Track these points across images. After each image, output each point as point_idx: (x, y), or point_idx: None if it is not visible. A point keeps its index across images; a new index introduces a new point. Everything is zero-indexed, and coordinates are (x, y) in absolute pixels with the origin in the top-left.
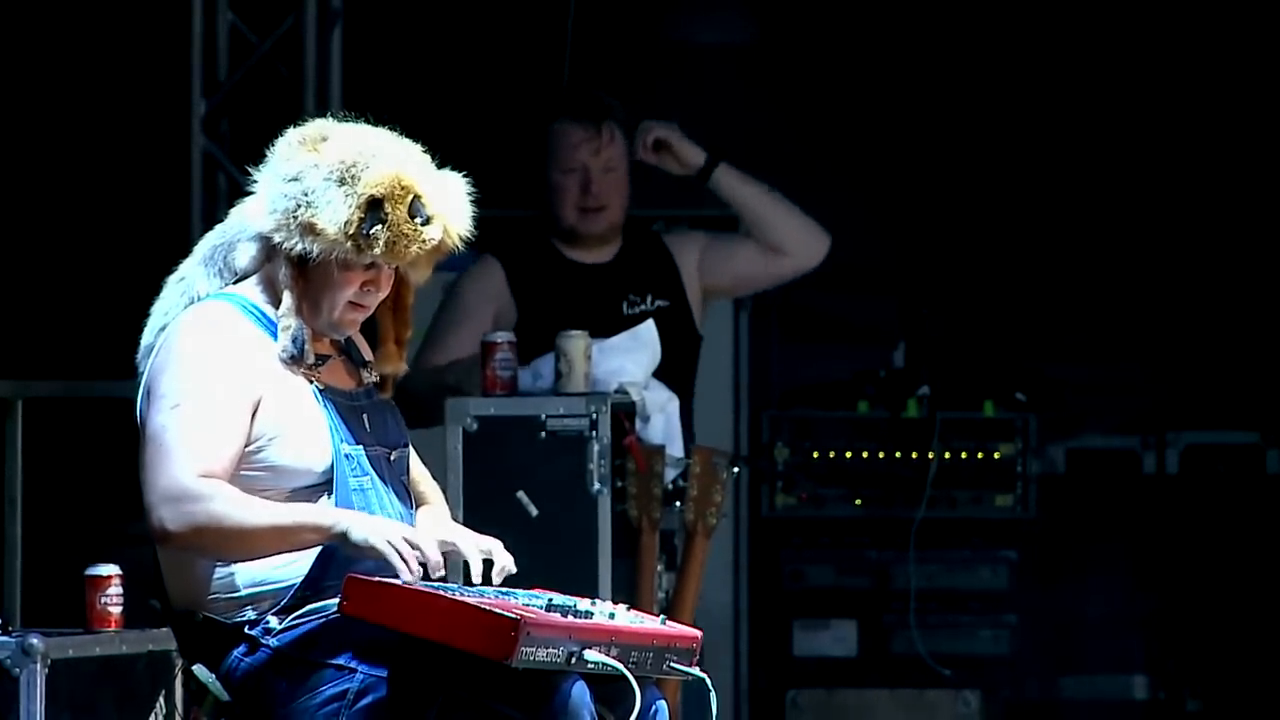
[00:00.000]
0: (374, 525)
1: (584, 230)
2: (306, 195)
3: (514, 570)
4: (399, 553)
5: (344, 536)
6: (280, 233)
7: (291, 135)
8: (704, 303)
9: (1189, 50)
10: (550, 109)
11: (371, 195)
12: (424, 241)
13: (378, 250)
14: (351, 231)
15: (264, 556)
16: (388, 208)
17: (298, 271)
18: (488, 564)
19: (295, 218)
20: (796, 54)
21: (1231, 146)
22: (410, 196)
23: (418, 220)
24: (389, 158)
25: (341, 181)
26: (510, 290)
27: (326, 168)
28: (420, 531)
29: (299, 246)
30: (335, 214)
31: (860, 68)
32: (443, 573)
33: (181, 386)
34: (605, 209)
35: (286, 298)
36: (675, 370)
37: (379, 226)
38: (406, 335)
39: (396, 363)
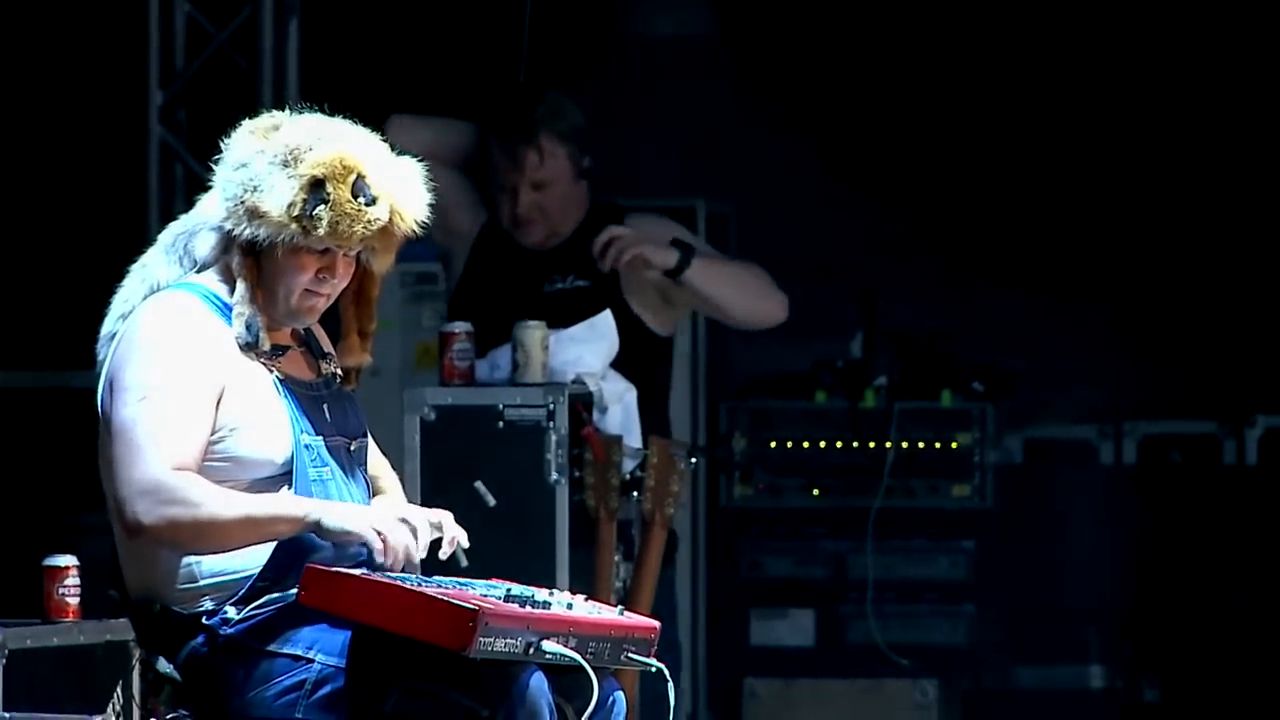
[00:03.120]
0: (348, 512)
1: (519, 240)
2: (252, 180)
3: (466, 544)
4: (379, 535)
5: (318, 525)
6: (230, 220)
7: (244, 126)
8: (661, 297)
9: (1170, 48)
10: (483, 119)
11: (313, 175)
12: (369, 222)
13: (321, 231)
14: (295, 213)
15: (236, 549)
16: (330, 187)
17: (252, 260)
18: (438, 541)
19: (242, 203)
20: (754, 45)
21: (1194, 142)
22: (353, 176)
23: (361, 200)
24: (334, 140)
25: (285, 164)
26: (475, 237)
27: (272, 153)
28: (388, 518)
29: (247, 232)
30: (279, 196)
31: (817, 59)
32: (420, 556)
33: (147, 378)
34: (537, 222)
35: (240, 286)
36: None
37: (322, 206)
38: (371, 328)
39: (360, 355)
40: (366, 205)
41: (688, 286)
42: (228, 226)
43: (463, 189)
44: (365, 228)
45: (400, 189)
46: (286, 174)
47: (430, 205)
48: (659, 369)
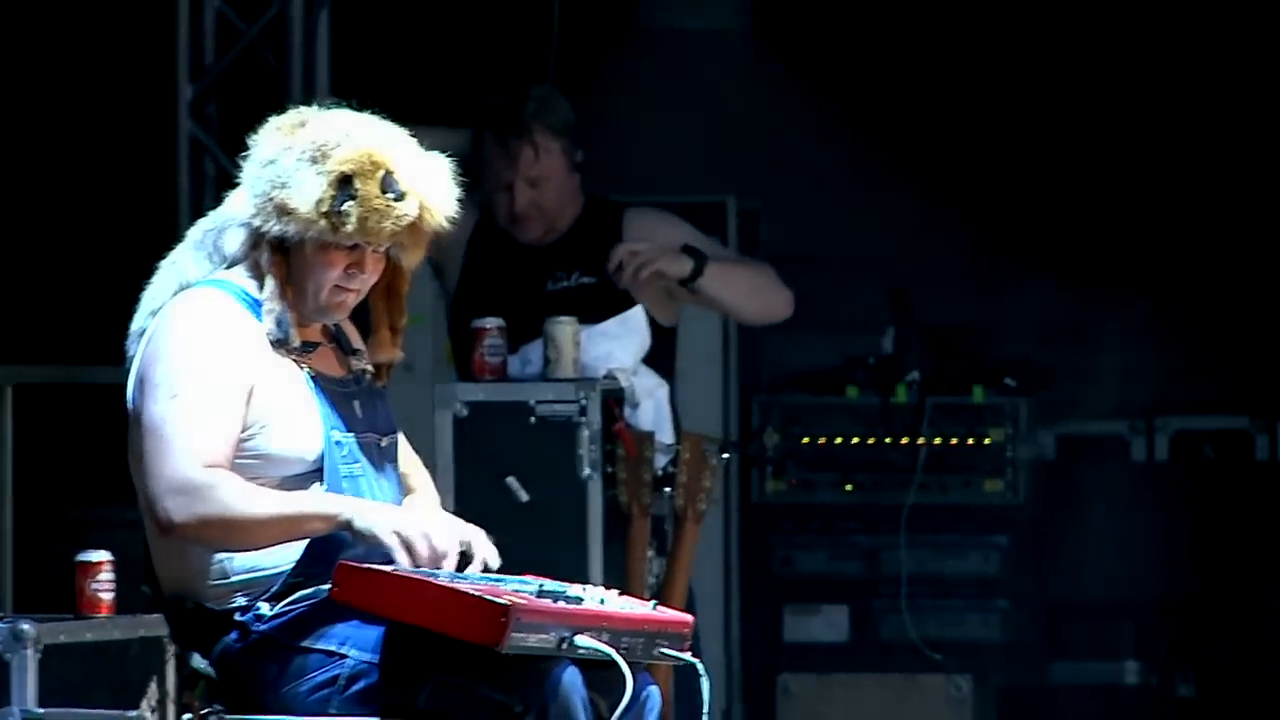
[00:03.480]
0: (378, 513)
1: (518, 237)
2: (280, 177)
3: (496, 564)
4: (402, 542)
5: (349, 525)
6: (259, 217)
7: (271, 123)
8: (666, 292)
9: (1219, 37)
10: (476, 118)
11: (342, 172)
12: (397, 217)
13: (350, 227)
14: (324, 209)
15: (268, 546)
16: (358, 183)
17: (281, 256)
18: (466, 557)
19: (270, 200)
20: (782, 38)
21: (1221, 136)
22: (381, 172)
23: (390, 195)
24: (362, 136)
25: (313, 161)
26: (469, 241)
27: (300, 149)
28: (430, 522)
29: (276, 228)
30: (307, 193)
31: (847, 52)
32: (451, 565)
33: (177, 375)
34: (535, 218)
35: (269, 282)
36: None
37: (350, 203)
38: (401, 323)
39: (391, 350)
40: (395, 201)
41: (700, 291)
42: (256, 223)
43: None
44: (394, 224)
45: (429, 185)
46: (315, 170)
47: None
48: (666, 360)
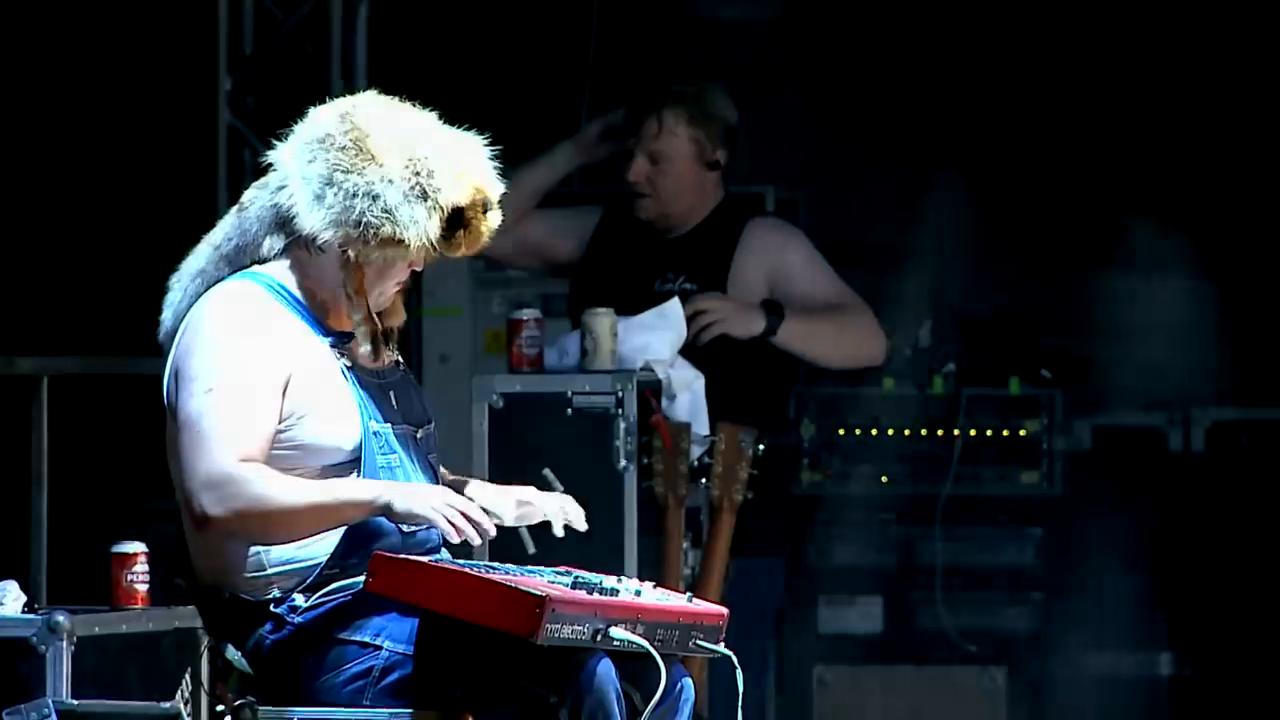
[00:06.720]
0: (417, 493)
1: (635, 212)
2: (387, 212)
3: (583, 527)
4: (446, 519)
5: (388, 509)
6: (355, 245)
7: (325, 127)
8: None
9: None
10: (638, 85)
11: (455, 205)
12: (493, 230)
13: (460, 251)
14: (435, 239)
15: (307, 536)
16: (469, 214)
17: (360, 274)
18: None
19: (377, 234)
20: (821, 28)
21: (1264, 124)
22: (483, 198)
23: (489, 216)
24: (453, 159)
25: (423, 196)
26: (590, 236)
27: (400, 179)
28: (463, 498)
29: (377, 256)
30: (421, 230)
31: (885, 41)
32: (492, 535)
33: (213, 369)
34: (647, 197)
35: (345, 296)
36: (700, 362)
37: (461, 231)
38: (406, 284)
39: (398, 314)
40: (493, 220)
41: (776, 345)
42: (351, 251)
43: (556, 220)
44: (489, 236)
45: (500, 189)
46: (427, 208)
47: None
48: (782, 368)
